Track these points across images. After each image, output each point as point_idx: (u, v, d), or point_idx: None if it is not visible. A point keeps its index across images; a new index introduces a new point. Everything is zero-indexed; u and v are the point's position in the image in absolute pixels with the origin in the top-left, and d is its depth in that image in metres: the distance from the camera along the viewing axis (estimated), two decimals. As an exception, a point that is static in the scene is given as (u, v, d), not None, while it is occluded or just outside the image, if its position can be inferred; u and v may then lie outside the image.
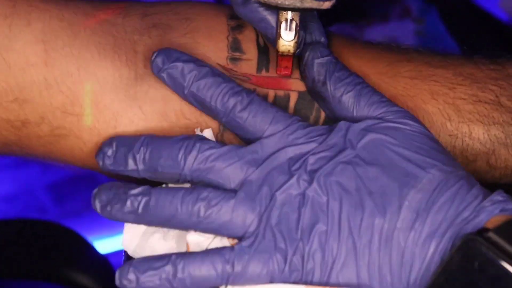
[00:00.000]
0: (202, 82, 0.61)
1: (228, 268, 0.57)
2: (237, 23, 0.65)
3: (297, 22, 0.61)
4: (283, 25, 0.62)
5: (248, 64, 0.64)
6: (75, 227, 1.11)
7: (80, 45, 0.63)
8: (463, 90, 0.65)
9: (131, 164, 0.61)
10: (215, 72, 0.62)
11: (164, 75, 0.62)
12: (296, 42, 0.62)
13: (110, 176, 0.64)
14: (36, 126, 0.63)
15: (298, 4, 0.59)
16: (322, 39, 0.64)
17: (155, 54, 0.62)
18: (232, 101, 0.61)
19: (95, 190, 0.60)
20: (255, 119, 0.61)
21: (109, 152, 0.61)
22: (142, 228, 0.61)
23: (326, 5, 0.60)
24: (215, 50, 0.64)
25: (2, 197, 1.39)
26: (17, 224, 1.04)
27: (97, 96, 0.63)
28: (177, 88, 0.62)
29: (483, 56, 0.67)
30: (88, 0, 0.65)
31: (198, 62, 0.62)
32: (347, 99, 0.61)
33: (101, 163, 0.61)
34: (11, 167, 1.39)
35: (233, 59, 0.64)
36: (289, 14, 0.61)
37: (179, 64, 0.61)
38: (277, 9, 0.61)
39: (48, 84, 0.62)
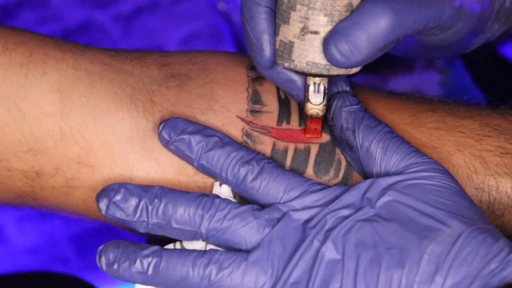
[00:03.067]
0: (210, 154, 0.60)
1: None
2: (257, 75, 0.64)
3: (325, 85, 0.61)
4: (311, 88, 0.61)
5: (269, 117, 0.63)
6: (97, 280, 1.10)
7: (96, 95, 0.62)
8: (490, 142, 0.64)
9: (142, 216, 0.59)
10: (224, 141, 0.61)
11: (172, 147, 0.61)
12: (324, 105, 0.61)
13: (127, 229, 0.63)
14: (51, 177, 0.62)
15: (325, 72, 0.59)
16: (348, 89, 0.63)
17: (161, 126, 0.61)
18: (242, 171, 0.60)
19: (101, 247, 0.59)
20: (267, 188, 0.60)
21: (116, 198, 0.59)
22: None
23: (354, 71, 0.60)
24: (234, 102, 0.63)
25: (26, 249, 1.38)
26: (38, 277, 1.04)
27: (112, 147, 0.61)
28: (187, 160, 0.61)
29: (510, 107, 0.65)
30: (104, 49, 0.65)
31: (205, 131, 0.61)
32: (375, 148, 0.60)
33: (104, 208, 0.60)
34: (34, 219, 1.39)
35: (253, 112, 0.63)
36: (317, 78, 0.60)
37: (186, 137, 0.60)
38: (304, 75, 0.60)
39: (63, 134, 0.61)
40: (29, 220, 1.38)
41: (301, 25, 0.58)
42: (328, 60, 0.57)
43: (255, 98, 0.63)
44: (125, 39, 1.25)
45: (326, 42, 0.57)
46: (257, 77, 0.64)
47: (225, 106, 0.63)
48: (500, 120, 0.65)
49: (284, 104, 0.63)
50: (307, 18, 0.58)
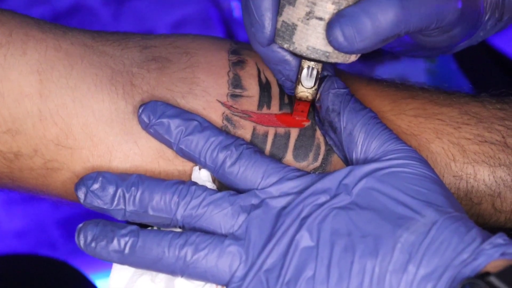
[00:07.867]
0: (189, 139, 0.60)
1: None
2: (238, 59, 0.64)
3: (319, 70, 0.61)
4: (304, 71, 0.61)
5: (249, 101, 0.63)
6: (84, 264, 1.10)
7: (76, 77, 0.62)
8: (469, 130, 0.64)
9: (119, 204, 0.59)
10: (203, 126, 0.61)
11: (151, 130, 0.61)
12: (315, 89, 0.61)
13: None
14: (29, 159, 0.62)
15: (323, 58, 0.59)
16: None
17: (141, 109, 0.61)
18: (221, 156, 0.60)
19: (80, 225, 0.59)
20: (245, 174, 0.60)
21: (94, 187, 0.60)
22: (130, 269, 0.59)
23: (351, 60, 0.60)
24: (215, 86, 0.63)
25: (13, 233, 1.38)
26: (25, 261, 1.04)
27: (92, 129, 0.61)
28: (166, 144, 0.61)
29: (489, 95, 0.66)
30: (86, 31, 0.64)
31: (185, 115, 0.61)
32: (357, 132, 0.60)
33: (82, 197, 0.60)
34: (22, 202, 1.39)
35: (234, 96, 0.63)
36: (312, 63, 0.60)
37: (165, 121, 0.60)
38: (302, 58, 0.60)
39: (42, 115, 0.61)
40: (17, 204, 1.38)
41: (307, 9, 0.58)
42: (330, 42, 0.57)
43: (236, 82, 0.63)
44: (115, 24, 1.24)
45: (332, 24, 0.57)
46: (238, 61, 0.64)
47: (205, 90, 0.63)
48: (479, 108, 0.65)
49: (264, 88, 0.63)
50: (314, 3, 0.58)
